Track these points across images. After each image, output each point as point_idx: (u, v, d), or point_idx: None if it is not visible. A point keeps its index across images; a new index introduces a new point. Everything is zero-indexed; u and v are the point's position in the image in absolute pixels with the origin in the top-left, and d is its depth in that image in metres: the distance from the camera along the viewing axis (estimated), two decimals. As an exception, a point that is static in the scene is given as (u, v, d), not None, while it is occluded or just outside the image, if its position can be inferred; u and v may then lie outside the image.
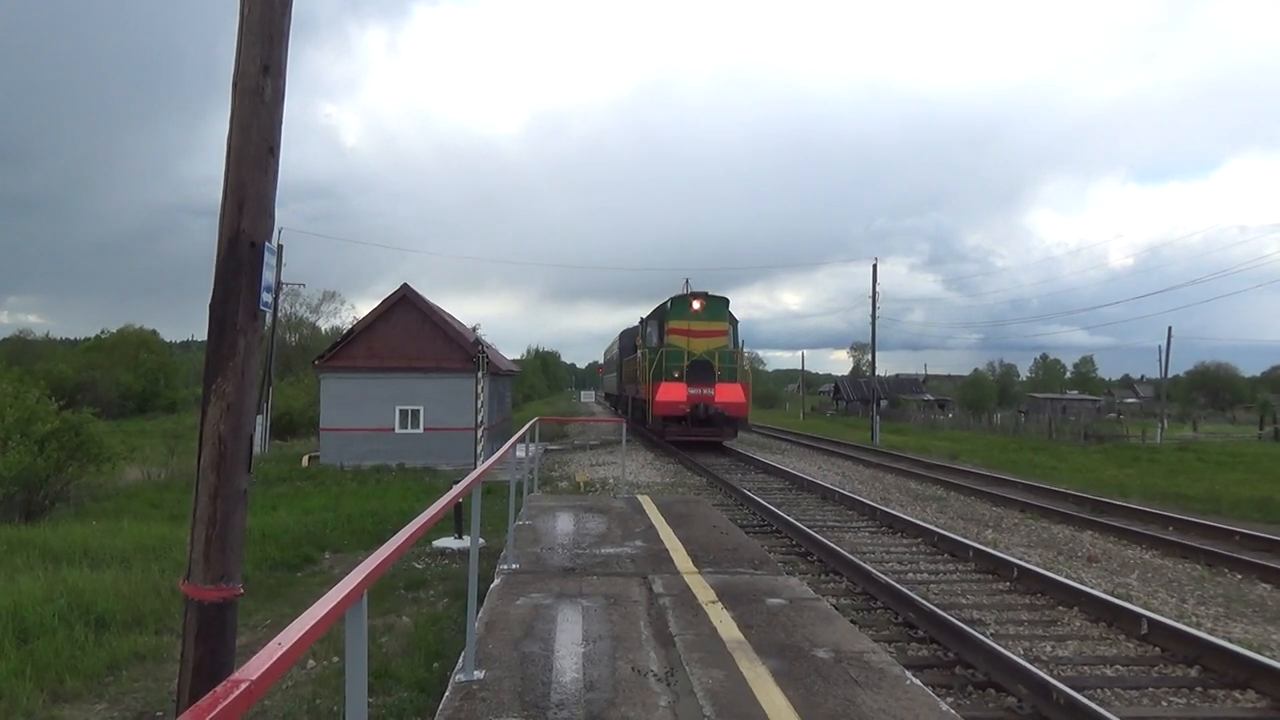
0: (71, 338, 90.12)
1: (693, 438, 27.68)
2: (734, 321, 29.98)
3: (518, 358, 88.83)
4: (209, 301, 4.64)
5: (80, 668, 7.35)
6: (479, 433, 24.08)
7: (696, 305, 28.50)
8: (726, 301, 29.52)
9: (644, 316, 32.49)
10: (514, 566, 8.41)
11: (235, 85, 4.68)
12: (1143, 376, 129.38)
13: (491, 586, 7.65)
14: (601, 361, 66.37)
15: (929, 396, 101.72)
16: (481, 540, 6.68)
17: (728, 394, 27.54)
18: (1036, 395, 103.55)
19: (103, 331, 77.24)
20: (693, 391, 27.11)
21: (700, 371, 27.47)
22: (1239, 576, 11.01)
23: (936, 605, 8.64)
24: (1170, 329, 57.99)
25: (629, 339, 38.63)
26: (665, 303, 29.59)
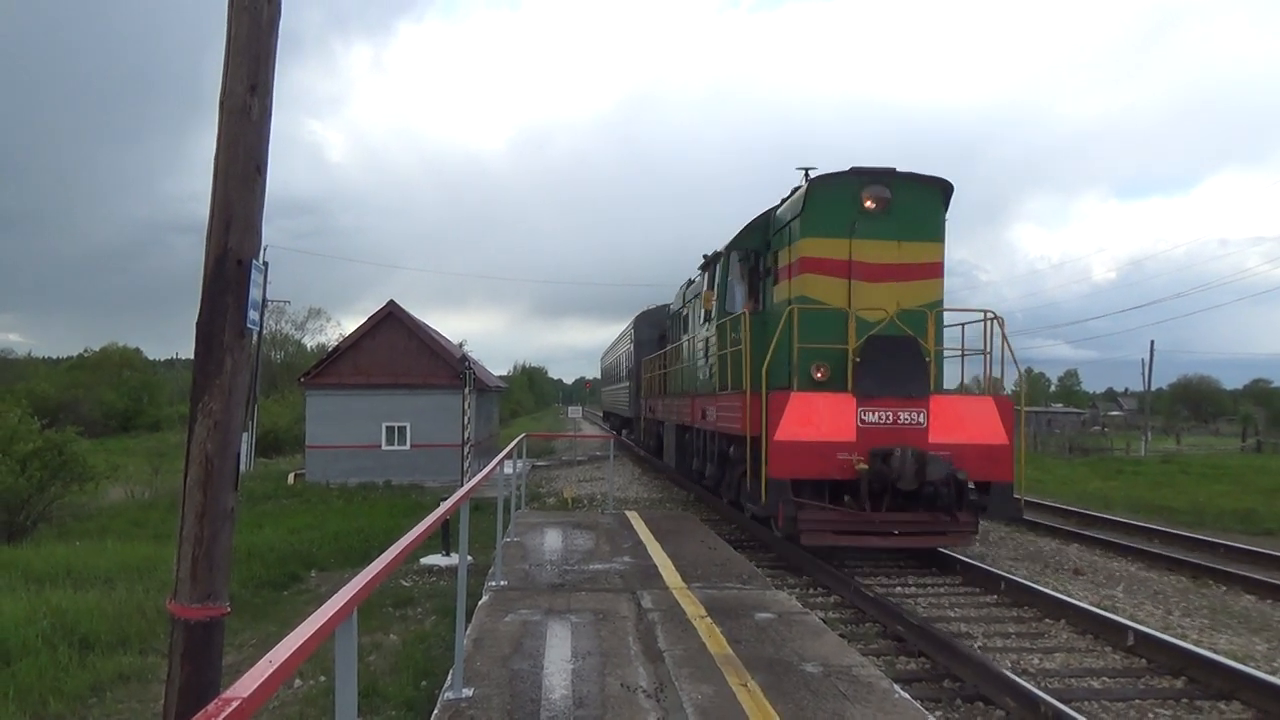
0: (54, 356, 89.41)
1: (872, 536, 10.93)
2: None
3: (504, 374, 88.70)
4: (195, 319, 4.65)
5: (64, 689, 7.27)
6: (466, 449, 24.02)
7: (871, 203, 11.61)
8: (945, 193, 12.02)
9: (708, 255, 15.62)
10: (502, 583, 8.40)
11: (222, 104, 4.71)
12: (1126, 389, 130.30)
13: (480, 603, 7.64)
14: (600, 369, 47.03)
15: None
16: (469, 557, 6.67)
17: (965, 422, 11.10)
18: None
19: (85, 350, 76.78)
20: (871, 416, 10.87)
21: (890, 364, 11.10)
22: (1224, 588, 11.07)
23: (924, 618, 8.66)
24: (1153, 342, 58.65)
25: (651, 326, 25.58)
26: (781, 203, 13.16)
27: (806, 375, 11.43)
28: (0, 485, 17.38)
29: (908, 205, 11.74)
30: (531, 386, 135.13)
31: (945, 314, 12.06)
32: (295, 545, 13.88)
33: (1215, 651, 7.76)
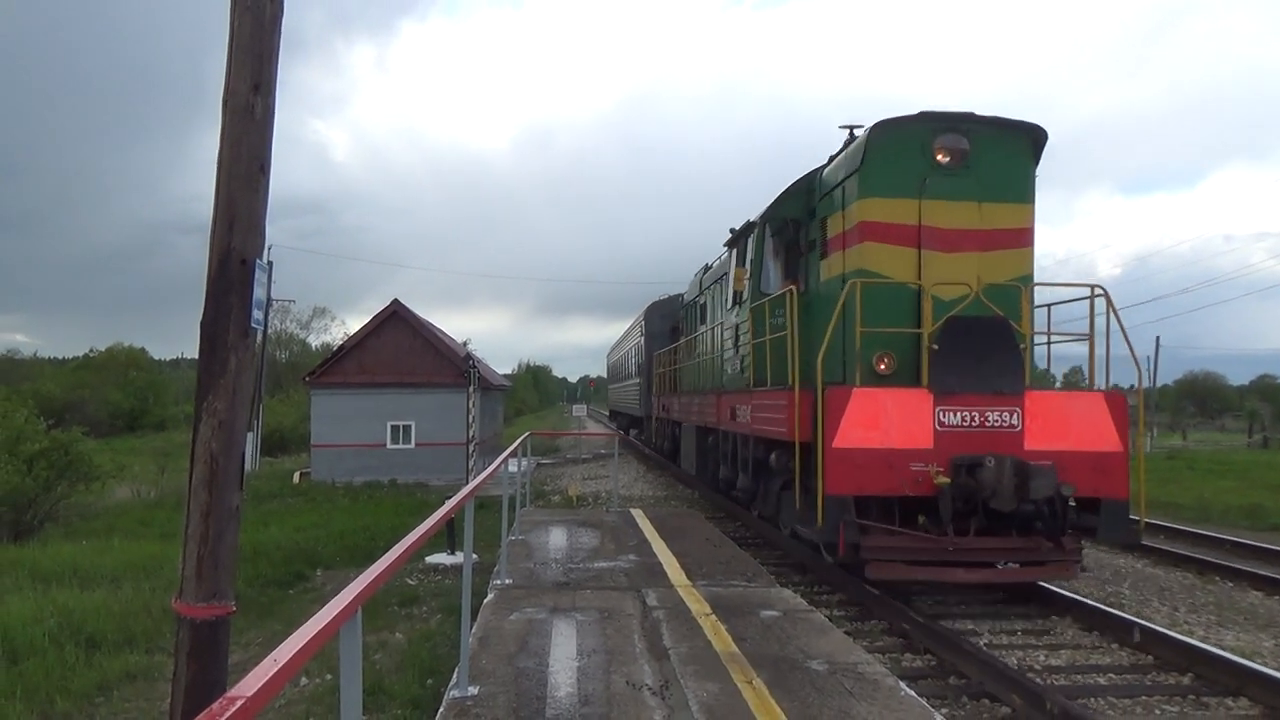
0: (59, 356, 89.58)
1: (956, 568, 8.75)
2: None
3: (509, 372, 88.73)
4: (200, 319, 4.66)
5: (71, 688, 7.30)
6: (471, 448, 24.05)
7: (945, 155, 9.65)
8: (1036, 143, 9.96)
9: (735, 228, 13.61)
10: (507, 581, 8.40)
11: (225, 103, 4.71)
12: (1132, 386, 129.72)
13: (485, 602, 7.65)
14: (606, 366, 45.86)
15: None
16: (474, 556, 6.68)
17: (1069, 425, 9.02)
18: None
19: (91, 350, 76.94)
20: (952, 417, 8.82)
21: (975, 352, 9.03)
22: (1230, 584, 11.05)
23: (930, 616, 8.66)
24: (1158, 338, 58.46)
25: (664, 318, 23.70)
26: (829, 161, 11.10)
27: (868, 364, 9.43)
28: (7, 485, 17.43)
29: (990, 158, 9.75)
30: (536, 385, 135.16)
31: (1037, 290, 9.97)
32: (301, 544, 13.91)
33: (1222, 648, 7.74)
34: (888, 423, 8.68)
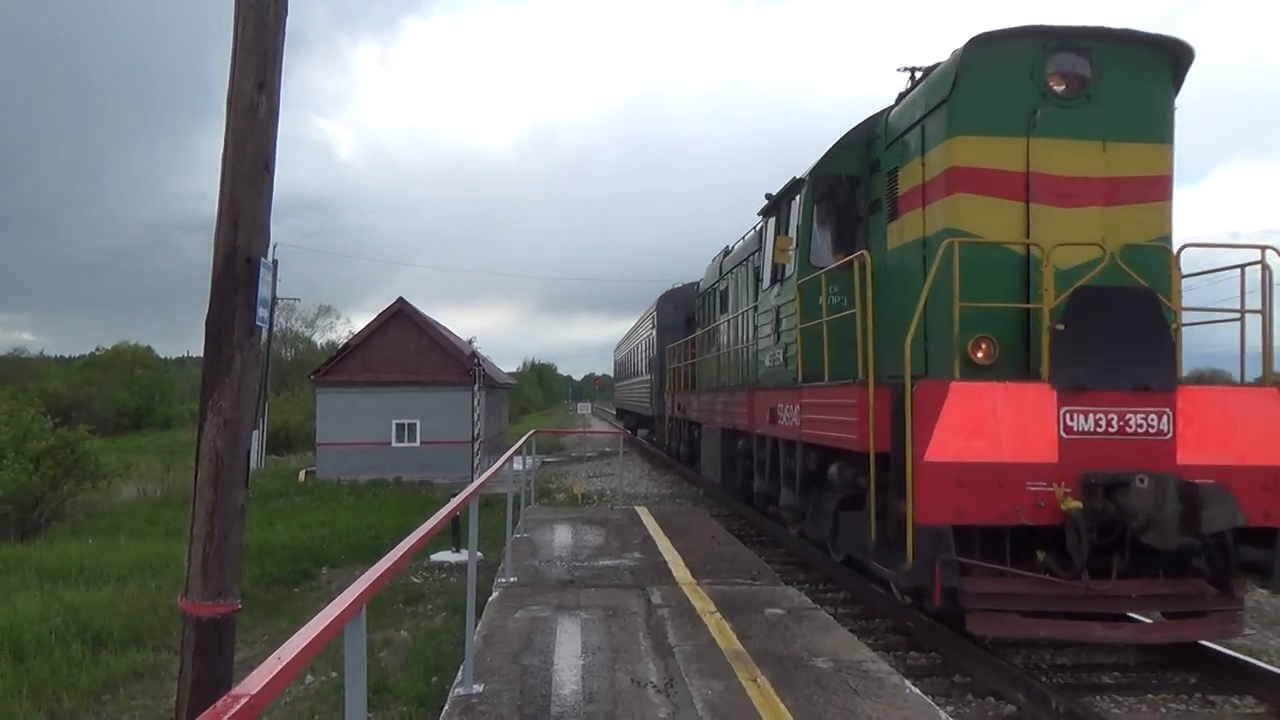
0: (66, 355, 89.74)
1: (1092, 621, 6.74)
2: None
3: (513, 370, 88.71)
4: (205, 317, 4.67)
5: (77, 686, 7.33)
6: (475, 446, 24.05)
7: (1061, 83, 7.52)
8: (1176, 65, 7.74)
9: (772, 193, 11.38)
10: (512, 579, 8.41)
11: (230, 103, 4.72)
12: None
13: (490, 600, 7.65)
14: (613, 363, 43.72)
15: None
16: (479, 554, 6.69)
17: (1236, 430, 6.82)
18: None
19: (97, 349, 77.07)
20: (1082, 421, 6.72)
21: (1111, 335, 6.89)
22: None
23: (935, 614, 8.63)
24: (1165, 335, 58.12)
25: (678, 309, 21.94)
26: (899, 100, 8.90)
27: (965, 351, 7.28)
28: (14, 483, 17.49)
29: (1118, 84, 7.61)
30: (541, 383, 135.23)
31: (1186, 254, 7.56)
32: (306, 542, 13.94)
33: (1228, 646, 7.72)
34: (996, 428, 6.67)
